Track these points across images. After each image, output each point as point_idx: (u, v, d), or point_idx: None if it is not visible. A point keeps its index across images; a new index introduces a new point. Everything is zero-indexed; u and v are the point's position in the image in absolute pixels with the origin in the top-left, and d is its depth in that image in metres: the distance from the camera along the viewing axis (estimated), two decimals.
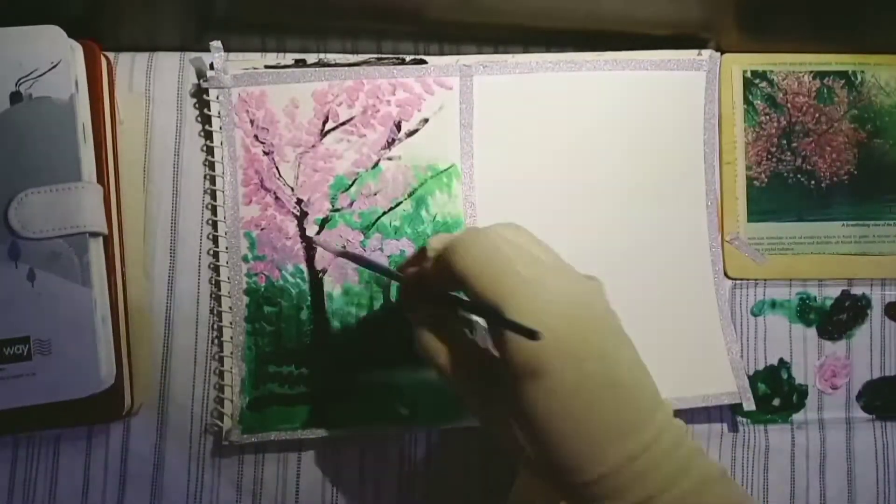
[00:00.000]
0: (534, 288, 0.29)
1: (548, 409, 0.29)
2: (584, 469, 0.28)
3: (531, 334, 0.27)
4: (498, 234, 0.31)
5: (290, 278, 0.43)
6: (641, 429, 0.29)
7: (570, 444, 0.29)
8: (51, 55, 0.38)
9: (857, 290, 0.47)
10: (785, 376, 0.46)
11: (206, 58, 0.43)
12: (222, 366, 0.42)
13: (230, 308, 0.43)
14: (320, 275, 0.43)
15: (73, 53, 0.39)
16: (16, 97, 0.37)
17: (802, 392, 0.46)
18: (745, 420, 0.45)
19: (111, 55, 0.43)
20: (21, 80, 0.38)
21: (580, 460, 0.28)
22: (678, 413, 0.31)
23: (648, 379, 0.31)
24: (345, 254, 0.40)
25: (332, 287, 0.43)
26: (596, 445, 0.28)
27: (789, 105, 0.47)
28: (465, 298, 0.32)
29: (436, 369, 0.33)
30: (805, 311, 0.46)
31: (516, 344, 0.28)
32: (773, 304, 0.46)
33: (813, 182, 0.46)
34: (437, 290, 0.33)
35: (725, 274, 0.46)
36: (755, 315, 0.46)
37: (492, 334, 0.30)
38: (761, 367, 0.46)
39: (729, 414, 0.46)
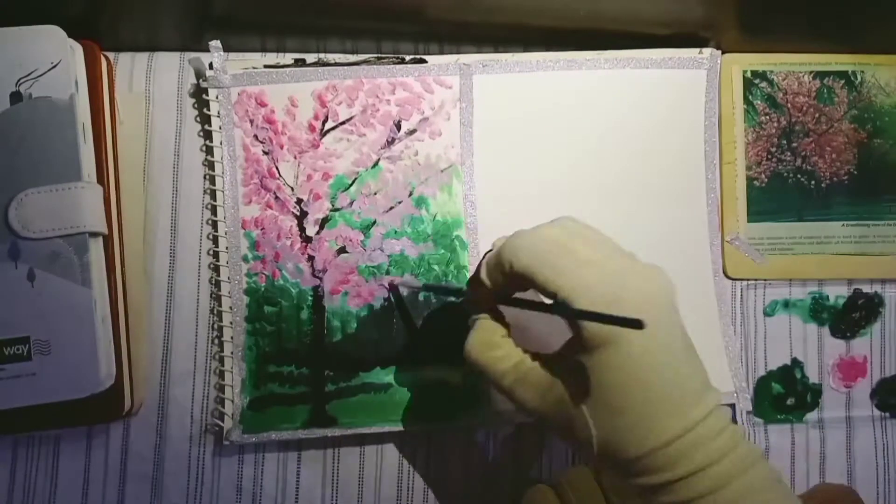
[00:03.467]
0: (596, 268, 0.31)
1: (619, 375, 0.30)
2: (646, 439, 0.30)
3: (636, 324, 0.28)
4: (546, 229, 0.33)
5: (290, 278, 0.43)
6: (695, 405, 0.30)
7: (635, 413, 0.30)
8: (51, 55, 0.38)
9: (869, 289, 0.47)
10: (799, 376, 0.46)
11: (206, 57, 0.43)
12: (222, 366, 0.42)
13: (230, 308, 0.43)
14: (320, 274, 0.43)
15: (73, 53, 0.39)
16: (16, 97, 0.37)
17: (816, 391, 0.46)
18: (758, 420, 0.45)
19: (111, 55, 0.43)
20: (21, 80, 0.38)
21: (643, 431, 0.30)
22: None
23: (700, 363, 0.32)
24: (428, 287, 0.42)
25: (331, 287, 0.43)
26: (657, 416, 0.30)
27: (789, 105, 0.47)
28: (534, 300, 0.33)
29: (492, 375, 0.34)
30: (818, 311, 0.46)
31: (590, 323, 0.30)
32: (787, 304, 0.46)
33: (813, 182, 0.46)
34: (505, 296, 0.35)
35: (725, 274, 0.46)
36: (768, 315, 0.46)
37: (566, 320, 0.31)
38: (775, 366, 0.46)
39: (730, 414, 0.45)
